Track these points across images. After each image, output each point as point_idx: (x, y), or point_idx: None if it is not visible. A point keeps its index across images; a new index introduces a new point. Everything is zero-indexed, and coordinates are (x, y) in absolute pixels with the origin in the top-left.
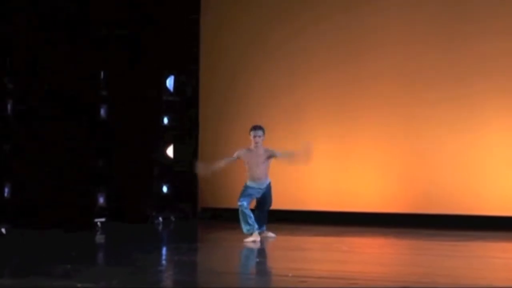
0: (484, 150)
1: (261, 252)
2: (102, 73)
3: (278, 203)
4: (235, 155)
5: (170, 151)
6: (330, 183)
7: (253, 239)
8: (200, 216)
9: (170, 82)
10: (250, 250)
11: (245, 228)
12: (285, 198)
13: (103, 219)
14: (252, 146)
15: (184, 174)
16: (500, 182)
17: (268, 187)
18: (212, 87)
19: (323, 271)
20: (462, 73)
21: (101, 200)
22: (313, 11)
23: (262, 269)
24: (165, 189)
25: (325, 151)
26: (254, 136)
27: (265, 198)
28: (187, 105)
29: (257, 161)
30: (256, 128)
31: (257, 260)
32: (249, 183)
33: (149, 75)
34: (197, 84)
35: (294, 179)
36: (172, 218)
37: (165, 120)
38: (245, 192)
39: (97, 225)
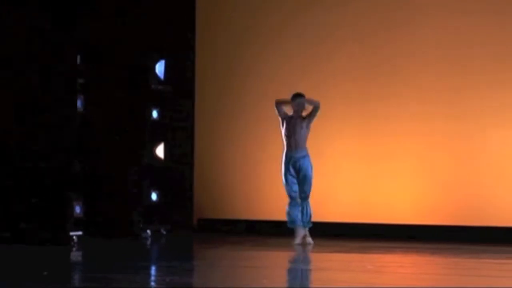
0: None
1: (269, 271)
2: (78, 57)
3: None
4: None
5: (160, 151)
6: (353, 190)
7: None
8: (195, 228)
9: (160, 68)
10: (255, 269)
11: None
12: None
13: (79, 233)
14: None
15: (177, 178)
16: None
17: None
18: (209, 76)
19: None
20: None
21: (77, 209)
22: None
23: None
24: (154, 196)
25: (344, 152)
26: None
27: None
28: (180, 95)
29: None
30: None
31: (264, 281)
32: None
33: (135, 59)
34: (193, 71)
35: None
36: (163, 231)
37: (155, 114)
38: None
39: (72, 239)
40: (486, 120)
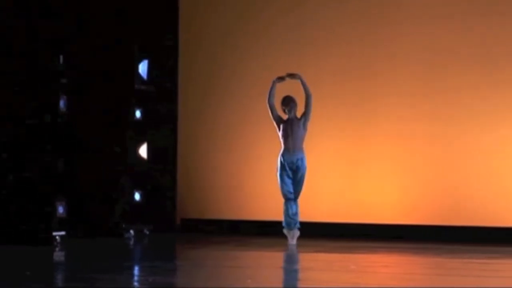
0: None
1: (253, 271)
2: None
3: (275, 213)
4: None
5: (143, 151)
6: (335, 189)
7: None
8: (179, 229)
9: (143, 68)
10: (239, 269)
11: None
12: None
13: (62, 233)
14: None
15: (160, 179)
16: None
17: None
18: (192, 75)
19: None
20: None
21: (60, 209)
22: None
23: None
24: (137, 196)
25: (327, 151)
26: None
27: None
28: (164, 95)
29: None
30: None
31: (248, 282)
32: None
33: (119, 59)
34: (176, 70)
35: None
36: (146, 231)
37: (138, 114)
38: None
39: (55, 239)
40: (465, 123)
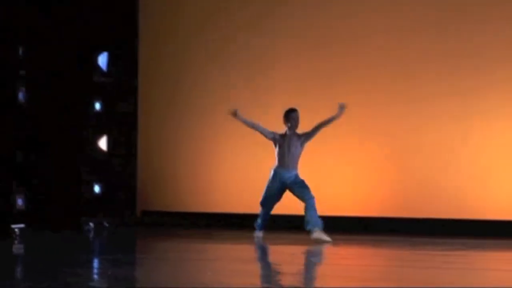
0: (483, 146)
1: (214, 265)
2: (20, 49)
3: (235, 206)
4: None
5: (103, 143)
6: None
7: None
8: (140, 221)
9: (103, 60)
10: (200, 261)
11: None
12: (242, 200)
13: (21, 225)
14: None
15: (120, 170)
16: (501, 183)
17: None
18: (153, 67)
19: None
20: (465, 64)
21: (19, 202)
22: None
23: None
24: (97, 189)
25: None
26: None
27: None
28: (124, 87)
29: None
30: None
31: (209, 274)
32: None
33: (78, 51)
34: (136, 63)
35: (252, 180)
36: (106, 224)
37: (97, 106)
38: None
39: (14, 232)
40: (427, 117)
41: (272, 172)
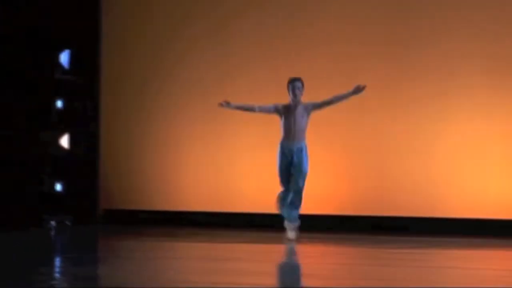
0: (447, 144)
1: (175, 262)
2: None
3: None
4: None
5: (64, 141)
6: (255, 180)
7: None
8: (102, 220)
9: (65, 57)
10: (162, 260)
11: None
12: (204, 198)
13: None
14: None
15: (82, 168)
16: (466, 180)
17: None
18: (117, 63)
19: (250, 285)
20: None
21: None
22: None
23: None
24: (58, 187)
25: (245, 144)
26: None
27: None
28: (87, 84)
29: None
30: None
31: (170, 273)
32: None
33: (40, 48)
34: (99, 59)
35: (214, 177)
36: (68, 222)
37: (59, 104)
38: None
39: None
40: (393, 114)
41: (279, 147)
